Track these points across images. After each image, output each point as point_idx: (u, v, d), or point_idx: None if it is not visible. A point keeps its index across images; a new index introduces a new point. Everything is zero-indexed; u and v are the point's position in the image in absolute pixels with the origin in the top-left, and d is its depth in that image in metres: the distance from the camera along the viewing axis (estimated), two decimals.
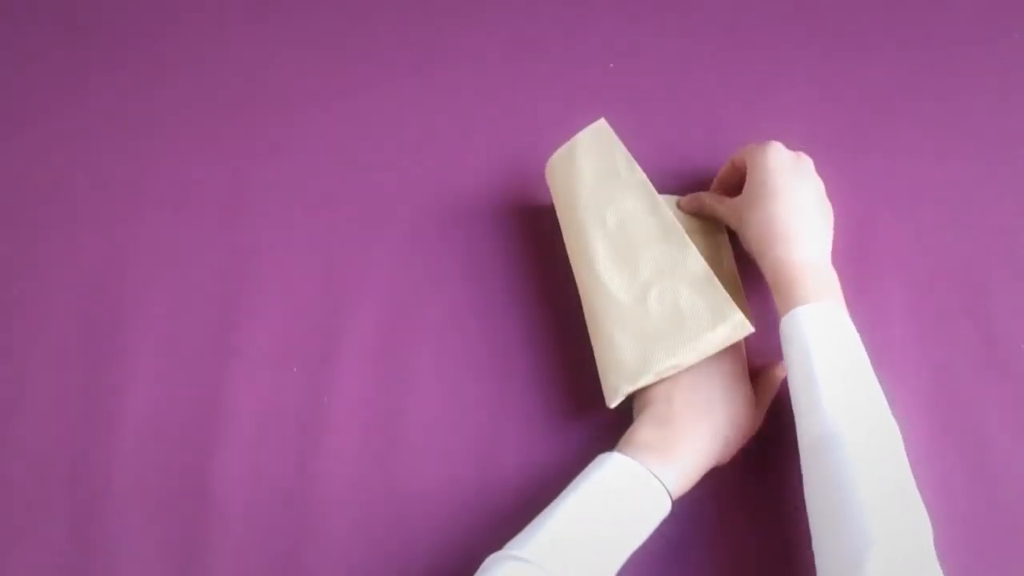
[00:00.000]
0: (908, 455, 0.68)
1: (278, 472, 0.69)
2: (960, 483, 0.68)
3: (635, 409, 0.65)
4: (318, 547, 0.67)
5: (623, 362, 0.64)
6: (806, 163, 0.70)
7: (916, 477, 0.67)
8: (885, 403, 0.59)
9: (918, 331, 0.73)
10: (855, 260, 0.77)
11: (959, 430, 0.70)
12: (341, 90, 0.86)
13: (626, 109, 0.84)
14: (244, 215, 0.80)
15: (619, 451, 0.60)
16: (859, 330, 0.73)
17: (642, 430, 0.62)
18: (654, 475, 0.58)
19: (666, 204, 0.73)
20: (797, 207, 0.67)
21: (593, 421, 0.70)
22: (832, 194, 0.80)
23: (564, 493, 0.59)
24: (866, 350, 0.72)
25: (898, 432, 0.58)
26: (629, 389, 0.64)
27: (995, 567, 0.65)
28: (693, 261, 0.66)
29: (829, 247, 0.68)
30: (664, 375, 0.63)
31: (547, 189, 0.78)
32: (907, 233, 0.78)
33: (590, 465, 0.60)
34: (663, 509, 0.59)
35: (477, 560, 0.62)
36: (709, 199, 0.74)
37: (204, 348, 0.74)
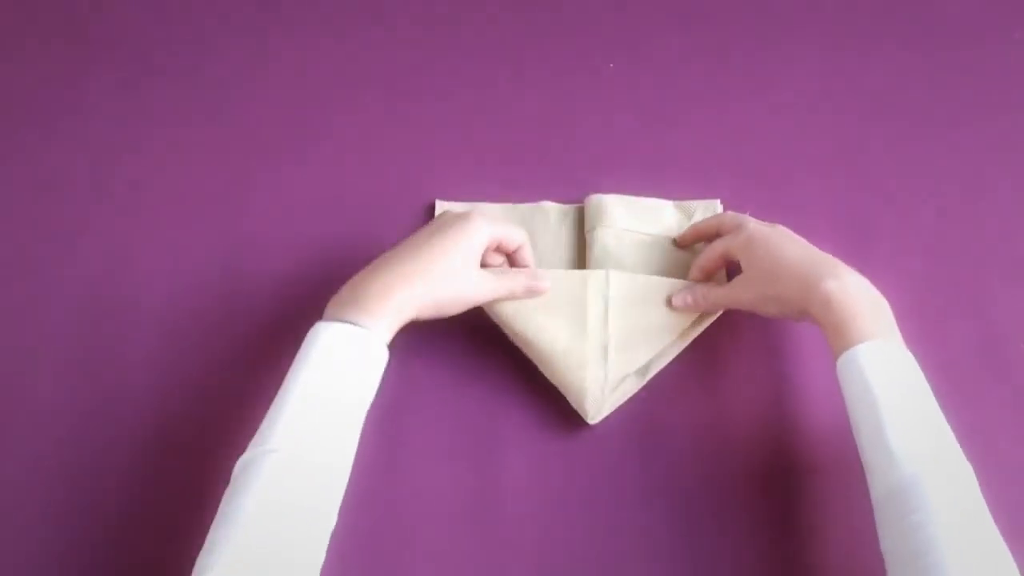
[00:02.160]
0: None
1: None
2: None
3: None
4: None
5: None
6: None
7: None
8: (956, 444, 0.57)
9: (918, 331, 0.73)
10: (855, 260, 0.76)
11: (959, 430, 0.69)
12: (342, 89, 0.86)
13: (626, 109, 0.84)
14: (244, 215, 0.80)
15: (324, 319, 0.61)
16: None
17: (341, 292, 0.63)
18: (358, 325, 0.60)
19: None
20: (813, 248, 0.66)
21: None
22: (832, 194, 0.80)
23: (290, 373, 0.59)
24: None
25: (973, 474, 0.56)
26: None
27: None
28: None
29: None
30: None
31: (550, 188, 0.78)
32: (907, 232, 0.78)
33: (306, 339, 0.61)
34: (382, 355, 0.61)
35: (478, 560, 0.62)
36: (705, 292, 0.70)
37: (204, 348, 0.74)
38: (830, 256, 0.66)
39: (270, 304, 0.75)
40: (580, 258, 0.76)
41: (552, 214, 0.78)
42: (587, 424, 0.68)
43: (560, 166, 0.81)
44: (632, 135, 0.83)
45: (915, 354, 0.72)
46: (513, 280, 0.68)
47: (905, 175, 0.80)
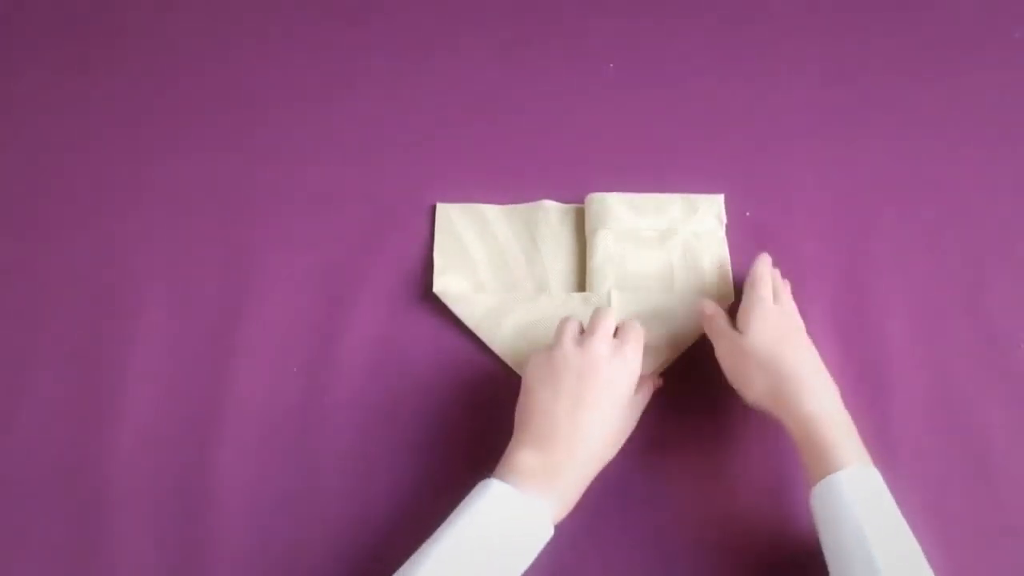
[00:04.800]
0: (908, 454, 0.68)
1: (278, 472, 0.69)
2: (960, 483, 0.68)
3: (516, 423, 0.63)
4: (318, 547, 0.67)
5: None
6: (788, 305, 0.69)
7: (916, 477, 0.67)
8: (927, 565, 0.57)
9: (918, 331, 0.73)
10: (855, 260, 0.77)
11: (959, 430, 0.70)
12: (342, 89, 0.86)
13: (626, 109, 0.84)
14: (244, 215, 0.80)
15: (498, 477, 0.59)
16: (859, 331, 0.74)
17: (522, 453, 0.60)
18: (536, 503, 0.58)
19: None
20: (801, 359, 0.65)
21: None
22: (832, 193, 0.80)
23: (445, 524, 0.57)
24: (866, 349, 0.72)
25: None
26: None
27: (995, 567, 0.65)
28: None
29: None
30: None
31: (550, 188, 0.78)
32: (907, 232, 0.78)
33: (471, 494, 0.59)
34: (545, 536, 0.59)
35: None
36: (713, 316, 0.69)
37: (204, 348, 0.74)
38: (815, 361, 0.65)
39: (270, 304, 0.75)
40: (582, 259, 0.77)
41: (553, 214, 0.78)
42: None
43: (560, 166, 0.81)
44: (632, 135, 0.83)
45: (915, 354, 0.73)
46: (646, 392, 0.67)
47: (905, 175, 0.80)
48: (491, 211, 0.78)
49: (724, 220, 0.77)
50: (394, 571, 0.56)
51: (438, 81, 0.87)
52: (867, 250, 0.77)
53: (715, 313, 0.70)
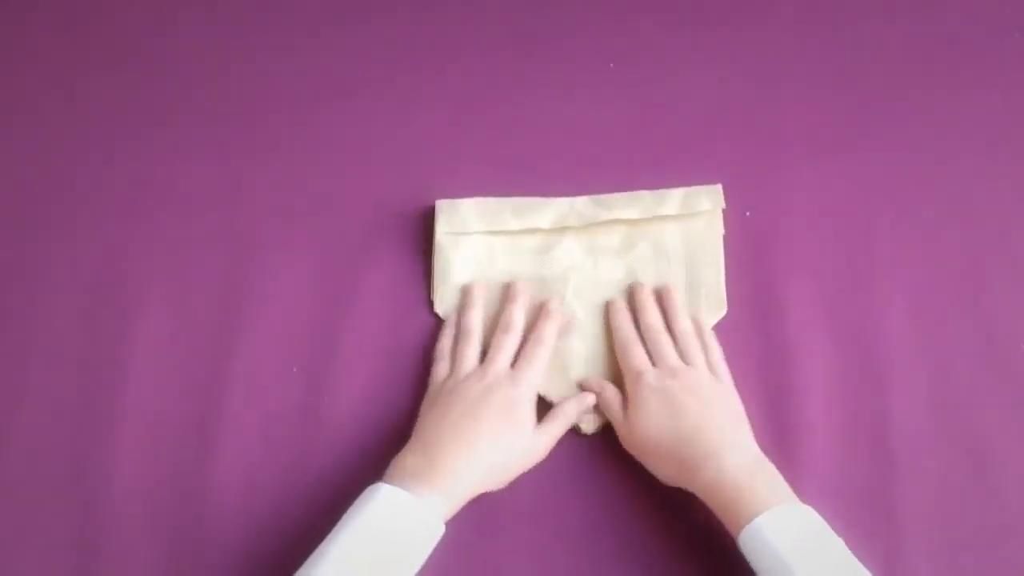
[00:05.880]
0: (906, 454, 0.68)
1: (278, 472, 0.69)
2: (960, 483, 0.68)
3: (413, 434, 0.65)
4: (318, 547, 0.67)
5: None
6: (674, 359, 0.68)
7: (916, 477, 0.67)
8: None
9: (918, 331, 0.73)
10: (855, 260, 0.77)
11: (959, 430, 0.70)
12: (342, 89, 0.86)
13: (626, 109, 0.84)
14: (244, 215, 0.80)
15: (385, 480, 0.60)
16: (859, 331, 0.73)
17: (408, 456, 0.62)
18: (423, 500, 0.59)
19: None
20: (694, 428, 0.62)
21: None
22: (833, 194, 0.80)
23: (335, 531, 0.58)
24: (866, 349, 0.72)
25: None
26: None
27: (995, 567, 0.65)
28: None
29: (748, 429, 0.64)
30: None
31: (550, 188, 0.78)
32: (907, 232, 0.78)
33: (359, 498, 0.60)
34: (436, 532, 0.59)
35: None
36: (611, 410, 0.68)
37: (204, 348, 0.74)
38: (711, 420, 0.63)
39: (270, 304, 0.75)
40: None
41: (550, 212, 0.77)
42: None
43: (560, 166, 0.81)
44: (632, 135, 0.83)
45: (915, 354, 0.73)
46: (564, 415, 0.67)
47: (905, 174, 0.80)
48: (488, 204, 0.77)
49: (722, 206, 0.76)
50: None
51: (437, 81, 0.86)
52: (867, 250, 0.77)
53: (604, 400, 0.68)
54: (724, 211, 0.76)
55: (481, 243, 0.76)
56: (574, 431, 0.69)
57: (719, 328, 0.73)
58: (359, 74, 0.87)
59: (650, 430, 0.64)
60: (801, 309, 0.73)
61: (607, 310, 0.73)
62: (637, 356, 0.68)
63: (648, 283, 0.74)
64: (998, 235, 0.78)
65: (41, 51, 0.89)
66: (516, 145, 0.83)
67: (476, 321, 0.72)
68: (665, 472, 0.64)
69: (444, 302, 0.74)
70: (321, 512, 0.67)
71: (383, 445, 0.69)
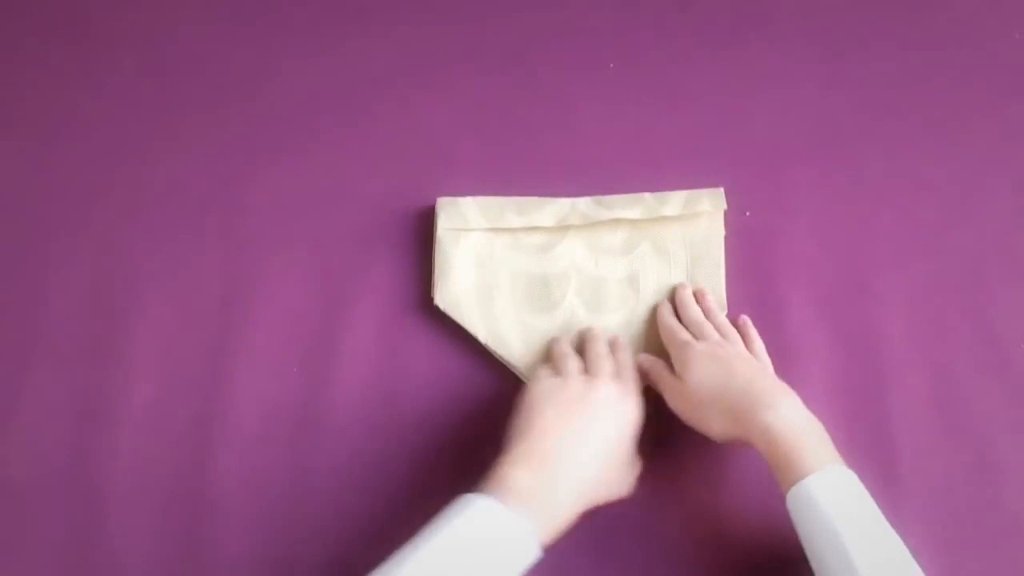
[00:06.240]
0: (906, 454, 0.69)
1: (278, 472, 0.69)
2: (960, 483, 0.68)
3: (510, 439, 0.61)
4: (318, 546, 0.67)
5: None
6: (715, 335, 0.69)
7: (916, 477, 0.67)
8: (912, 561, 0.56)
9: (918, 331, 0.73)
10: (855, 260, 0.77)
11: (959, 430, 0.70)
12: (342, 89, 0.86)
13: (626, 109, 0.84)
14: (244, 215, 0.80)
15: (487, 492, 0.57)
16: (859, 331, 0.74)
17: (514, 470, 0.58)
18: (524, 521, 0.55)
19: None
20: (748, 379, 0.64)
21: None
22: (832, 192, 0.80)
23: (420, 538, 0.54)
24: (866, 349, 0.72)
25: None
26: None
27: (995, 567, 0.65)
28: None
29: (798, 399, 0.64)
30: None
31: (550, 188, 0.78)
32: (907, 233, 0.78)
33: (451, 507, 0.56)
34: (531, 556, 0.56)
35: None
36: (659, 373, 0.69)
37: (204, 348, 0.74)
38: (763, 378, 0.64)
39: (270, 304, 0.75)
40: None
41: (552, 211, 0.77)
42: None
43: (560, 166, 0.81)
44: (632, 135, 0.83)
45: (915, 354, 0.73)
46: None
47: (905, 175, 0.80)
48: (488, 202, 0.77)
49: (724, 208, 0.76)
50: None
51: (437, 82, 0.86)
52: (867, 250, 0.77)
53: (651, 365, 0.69)
54: (724, 212, 0.76)
55: (482, 240, 0.76)
56: None
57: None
58: (359, 74, 0.87)
59: (704, 382, 0.64)
60: (801, 309, 0.73)
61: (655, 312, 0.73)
62: (683, 332, 0.69)
63: (651, 283, 0.74)
64: (998, 236, 0.78)
65: (41, 51, 0.89)
66: (516, 146, 0.83)
67: (566, 342, 0.71)
68: (720, 425, 0.63)
69: (444, 296, 0.74)
70: (322, 511, 0.67)
71: (383, 445, 0.69)
